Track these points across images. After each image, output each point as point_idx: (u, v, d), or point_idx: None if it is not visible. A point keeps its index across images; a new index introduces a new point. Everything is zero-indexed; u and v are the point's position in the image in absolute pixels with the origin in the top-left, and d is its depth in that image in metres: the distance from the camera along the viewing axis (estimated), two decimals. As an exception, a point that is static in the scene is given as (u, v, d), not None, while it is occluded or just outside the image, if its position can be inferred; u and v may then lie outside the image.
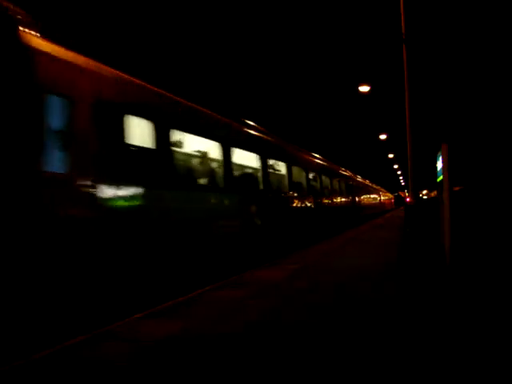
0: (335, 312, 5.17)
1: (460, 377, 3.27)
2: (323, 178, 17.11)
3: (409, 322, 4.69)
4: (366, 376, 3.30)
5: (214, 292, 6.58)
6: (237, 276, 7.99)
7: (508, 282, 6.36)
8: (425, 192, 57.79)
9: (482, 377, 3.27)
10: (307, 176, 14.65)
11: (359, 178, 30.44)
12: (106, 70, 5.64)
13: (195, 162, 8.20)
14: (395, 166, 72.17)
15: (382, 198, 53.03)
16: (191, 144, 7.73)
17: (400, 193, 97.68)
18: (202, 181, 8.30)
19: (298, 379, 3.28)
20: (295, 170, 13.08)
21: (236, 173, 9.17)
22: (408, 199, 16.86)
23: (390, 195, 76.03)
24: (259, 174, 10.33)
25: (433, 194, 45.84)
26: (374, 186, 44.54)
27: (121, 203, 5.63)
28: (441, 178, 8.45)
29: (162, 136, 6.39)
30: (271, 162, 11.06)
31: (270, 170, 10.99)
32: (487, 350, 3.78)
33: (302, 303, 5.71)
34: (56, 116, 4.77)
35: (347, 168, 29.07)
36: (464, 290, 6.26)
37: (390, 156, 58.42)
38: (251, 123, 10.79)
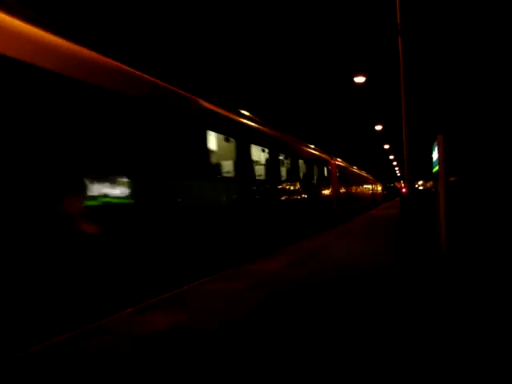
0: (332, 303, 5.21)
1: (455, 365, 3.32)
2: None
3: (406, 312, 4.74)
4: (364, 368, 3.34)
5: (212, 284, 6.61)
6: (234, 268, 8.03)
7: (503, 269, 6.43)
8: (420, 182, 57.94)
9: (476, 365, 3.32)
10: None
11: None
12: None
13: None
14: (391, 157, 72.24)
15: (359, 186, 30.25)
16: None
17: (396, 183, 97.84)
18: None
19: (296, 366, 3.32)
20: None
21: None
22: (404, 189, 16.84)
23: (373, 180, 45.61)
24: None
25: (428, 185, 45.88)
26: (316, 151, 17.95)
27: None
28: (436, 168, 8.49)
29: None
30: None
31: None
32: (482, 337, 3.83)
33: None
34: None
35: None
36: (460, 279, 6.32)
37: (386, 147, 58.43)
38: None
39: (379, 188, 55.91)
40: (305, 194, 15.10)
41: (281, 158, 12.71)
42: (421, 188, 47.57)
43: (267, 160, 11.79)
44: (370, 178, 43.24)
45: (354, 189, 27.91)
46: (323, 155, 18.84)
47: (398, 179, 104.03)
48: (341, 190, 22.24)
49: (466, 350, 3.56)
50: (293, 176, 13.76)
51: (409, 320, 4.41)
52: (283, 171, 13.02)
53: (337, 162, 21.51)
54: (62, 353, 3.80)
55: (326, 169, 18.72)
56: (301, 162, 14.70)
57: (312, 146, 17.34)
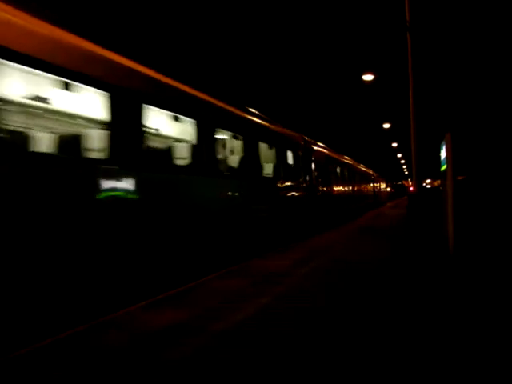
0: (337, 301, 5.21)
1: (457, 366, 3.31)
2: None
3: (409, 311, 4.73)
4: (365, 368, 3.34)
5: (220, 280, 6.63)
6: (239, 265, 8.03)
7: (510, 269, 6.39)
8: (428, 181, 57.59)
9: (480, 366, 3.30)
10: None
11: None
12: None
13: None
14: (399, 155, 71.96)
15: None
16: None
17: (404, 182, 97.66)
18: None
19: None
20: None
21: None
22: (411, 188, 16.77)
23: (376, 177, 39.31)
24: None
25: (436, 183, 45.64)
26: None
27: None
28: (444, 167, 8.45)
29: None
30: None
31: None
32: (488, 340, 3.82)
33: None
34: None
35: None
36: (465, 281, 6.29)
37: (394, 145, 58.22)
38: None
39: (383, 185, 49.04)
40: (250, 192, 9.72)
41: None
42: (428, 187, 47.34)
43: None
44: (371, 173, 36.79)
45: (346, 185, 22.03)
46: (287, 135, 13.00)
47: (406, 177, 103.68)
48: (323, 187, 16.69)
49: (465, 348, 3.55)
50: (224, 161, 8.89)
51: (410, 319, 4.40)
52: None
53: (316, 148, 15.85)
54: (75, 348, 3.84)
55: (292, 155, 12.86)
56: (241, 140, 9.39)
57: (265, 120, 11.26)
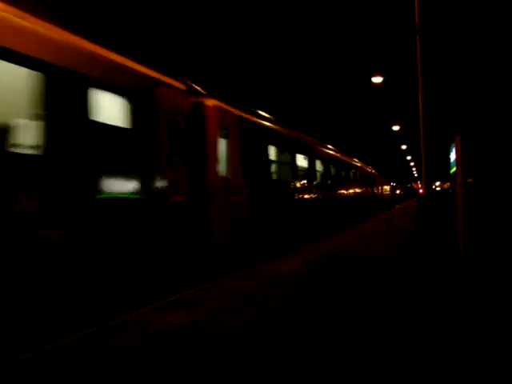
0: (344, 301, 5.24)
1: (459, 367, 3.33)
2: None
3: (420, 312, 4.75)
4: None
5: (227, 283, 6.68)
6: (246, 269, 8.06)
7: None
8: (438, 183, 57.27)
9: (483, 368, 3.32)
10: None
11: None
12: None
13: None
14: (408, 158, 71.62)
15: None
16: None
17: (413, 184, 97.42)
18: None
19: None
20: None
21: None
22: (421, 190, 16.70)
23: (377, 176, 31.32)
24: None
25: (445, 186, 45.39)
26: None
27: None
28: (454, 169, 8.44)
29: None
30: None
31: None
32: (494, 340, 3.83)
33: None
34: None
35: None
36: (477, 281, 6.29)
37: (403, 147, 57.94)
38: None
39: (387, 188, 40.61)
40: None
41: None
42: (438, 189, 47.13)
43: None
44: (369, 170, 28.39)
45: (309, 185, 13.90)
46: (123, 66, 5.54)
47: (415, 180, 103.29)
48: (246, 185, 8.85)
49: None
50: None
51: (418, 318, 4.42)
52: None
53: (235, 112, 8.62)
54: (85, 351, 3.90)
55: (144, 116, 5.94)
56: None
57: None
